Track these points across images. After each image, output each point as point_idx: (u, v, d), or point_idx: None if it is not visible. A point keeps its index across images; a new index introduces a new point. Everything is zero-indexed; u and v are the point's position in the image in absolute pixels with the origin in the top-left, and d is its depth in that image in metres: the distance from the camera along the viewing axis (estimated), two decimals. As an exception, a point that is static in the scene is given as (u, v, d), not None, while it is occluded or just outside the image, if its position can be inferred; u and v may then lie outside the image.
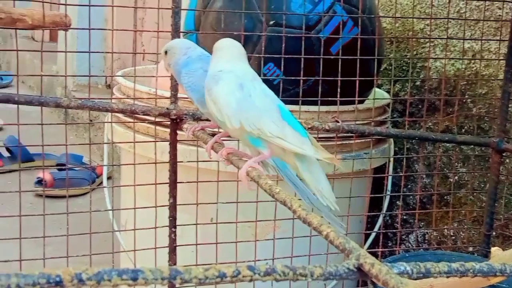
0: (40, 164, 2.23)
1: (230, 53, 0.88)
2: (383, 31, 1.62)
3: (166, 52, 0.99)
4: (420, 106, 1.66)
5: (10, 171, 2.40)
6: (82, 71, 3.09)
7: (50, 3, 1.20)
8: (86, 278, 0.43)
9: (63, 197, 1.37)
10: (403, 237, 1.73)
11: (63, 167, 2.29)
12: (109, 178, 2.12)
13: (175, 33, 1.18)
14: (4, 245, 1.22)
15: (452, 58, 1.58)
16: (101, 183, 2.36)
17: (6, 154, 2.57)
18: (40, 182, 2.27)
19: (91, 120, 2.55)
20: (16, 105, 1.15)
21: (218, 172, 1.23)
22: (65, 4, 1.19)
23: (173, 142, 1.20)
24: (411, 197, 1.70)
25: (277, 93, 0.89)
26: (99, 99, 1.21)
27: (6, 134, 2.54)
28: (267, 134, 0.83)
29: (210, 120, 1.03)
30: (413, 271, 0.51)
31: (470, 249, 1.56)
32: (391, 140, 1.50)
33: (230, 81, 0.85)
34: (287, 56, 1.25)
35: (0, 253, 1.19)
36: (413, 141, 1.68)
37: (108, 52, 1.67)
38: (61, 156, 2.43)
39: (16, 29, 1.11)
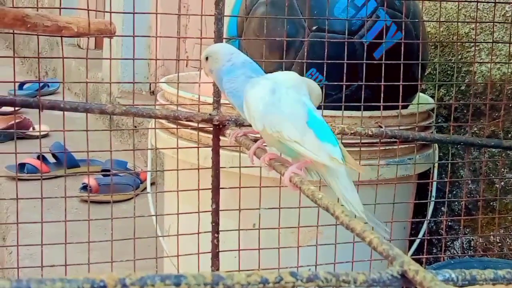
0: (85, 170, 2.26)
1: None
2: (427, 35, 1.61)
3: (207, 58, 0.98)
4: (465, 111, 1.64)
5: (56, 177, 2.43)
6: (126, 77, 3.12)
7: (96, 11, 1.21)
8: (130, 283, 0.43)
9: (108, 202, 1.38)
10: (448, 243, 1.70)
11: (108, 173, 2.32)
12: (152, 183, 2.14)
13: (218, 40, 1.18)
14: (50, 250, 1.24)
15: (498, 62, 1.56)
16: (145, 188, 2.37)
17: (52, 160, 2.61)
18: (85, 187, 2.29)
19: (135, 126, 2.58)
20: (62, 112, 1.17)
21: (260, 177, 1.23)
22: (110, 12, 1.20)
23: (216, 148, 1.20)
24: (456, 203, 1.68)
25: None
26: (143, 105, 1.23)
27: (52, 140, 2.58)
28: (285, 137, 0.83)
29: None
30: (458, 278, 0.50)
31: (517, 256, 1.53)
32: (436, 145, 1.49)
33: (265, 86, 0.87)
34: (329, 61, 1.24)
35: (46, 257, 1.21)
36: (458, 146, 1.65)
37: (152, 59, 1.69)
38: (106, 162, 2.46)
39: (62, 36, 1.13)
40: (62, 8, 1.15)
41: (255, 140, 1.02)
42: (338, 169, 0.85)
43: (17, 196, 1.19)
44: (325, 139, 0.84)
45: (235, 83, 0.95)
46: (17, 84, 1.29)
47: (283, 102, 0.85)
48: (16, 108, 1.31)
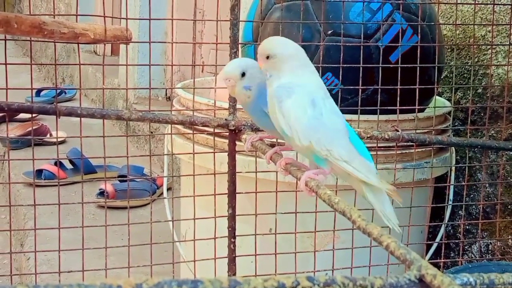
0: (102, 175, 2.27)
1: (297, 62, 0.85)
2: (444, 38, 1.60)
3: (243, 74, 0.91)
4: (482, 114, 1.63)
5: (73, 183, 2.45)
6: (143, 83, 3.13)
7: (112, 17, 1.22)
8: (147, 288, 0.43)
9: (125, 208, 1.39)
10: (466, 247, 1.69)
11: (125, 179, 2.33)
12: (169, 189, 2.14)
13: (234, 45, 1.18)
14: (67, 256, 1.24)
15: (515, 65, 1.55)
16: (162, 194, 2.38)
17: (69, 166, 2.62)
18: (102, 193, 2.30)
19: (151, 132, 2.59)
20: (79, 118, 1.17)
21: (276, 182, 1.23)
22: (126, 18, 1.21)
23: (232, 153, 1.20)
24: (473, 206, 1.67)
25: (335, 103, 0.88)
26: (159, 111, 1.23)
27: (69, 146, 2.59)
28: (336, 157, 0.81)
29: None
30: (477, 282, 0.50)
31: (536, 260, 1.52)
32: (453, 149, 1.48)
33: (303, 96, 0.82)
34: (345, 65, 1.24)
35: (63, 263, 1.21)
36: (476, 149, 1.64)
37: (168, 65, 1.69)
38: (123, 168, 2.47)
39: (78, 43, 1.14)
40: (78, 15, 1.16)
41: (271, 145, 1.02)
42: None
43: (34, 202, 1.20)
44: (366, 156, 0.83)
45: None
46: (34, 91, 1.30)
47: (325, 116, 0.82)
48: (34, 115, 1.31)
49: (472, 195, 1.67)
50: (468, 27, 1.66)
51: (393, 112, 1.28)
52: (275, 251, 1.24)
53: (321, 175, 0.85)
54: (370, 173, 0.83)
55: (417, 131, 1.31)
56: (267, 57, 0.85)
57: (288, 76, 0.84)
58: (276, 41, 0.88)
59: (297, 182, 0.87)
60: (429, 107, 1.44)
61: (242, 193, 1.23)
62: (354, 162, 0.82)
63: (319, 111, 0.82)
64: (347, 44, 1.26)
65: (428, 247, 1.50)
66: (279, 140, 1.13)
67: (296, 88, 0.83)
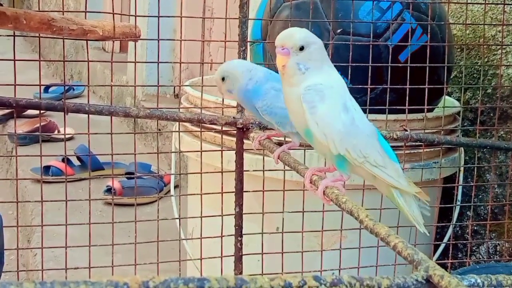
0: (110, 172, 2.27)
1: (325, 53, 0.81)
2: (453, 38, 1.59)
3: (223, 79, 0.95)
4: (491, 114, 1.62)
5: (80, 180, 2.45)
6: (151, 81, 3.14)
7: (121, 14, 1.22)
8: (153, 286, 0.43)
9: (132, 205, 1.39)
10: (474, 248, 1.69)
11: (132, 176, 2.33)
12: (176, 186, 2.15)
13: (242, 43, 1.18)
14: (74, 252, 1.24)
15: (525, 65, 1.54)
16: (169, 191, 2.38)
17: (77, 162, 2.62)
18: (109, 190, 2.30)
19: (159, 129, 2.59)
20: (86, 115, 1.18)
21: (284, 181, 1.23)
22: (135, 16, 1.21)
23: (239, 151, 1.20)
24: (482, 207, 1.66)
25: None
26: (167, 108, 1.23)
27: (77, 143, 2.60)
28: (372, 163, 0.80)
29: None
30: (484, 283, 0.50)
31: (545, 262, 1.51)
32: (462, 149, 1.47)
33: (336, 100, 0.79)
34: (354, 64, 1.24)
35: (70, 260, 1.21)
36: (485, 150, 1.64)
37: (177, 62, 1.69)
38: (130, 165, 2.47)
39: (87, 40, 1.14)
40: (87, 11, 1.16)
41: (279, 144, 1.01)
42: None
43: (41, 198, 1.20)
44: (393, 157, 0.82)
45: (267, 99, 0.92)
46: (42, 87, 1.30)
47: (357, 120, 0.79)
48: (42, 111, 1.31)
49: (480, 196, 1.66)
50: (478, 27, 1.65)
51: (402, 111, 1.28)
52: (282, 250, 1.24)
53: (339, 183, 0.82)
54: (400, 178, 0.81)
55: (426, 131, 1.31)
56: (301, 49, 0.79)
57: (318, 72, 0.80)
58: (303, 30, 0.81)
59: (304, 181, 0.86)
60: (438, 107, 1.44)
61: (249, 191, 1.23)
62: (387, 168, 0.80)
63: (351, 116, 0.79)
64: (356, 43, 1.25)
65: (436, 247, 1.50)
66: (287, 139, 1.13)
67: (326, 91, 0.78)
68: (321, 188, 0.81)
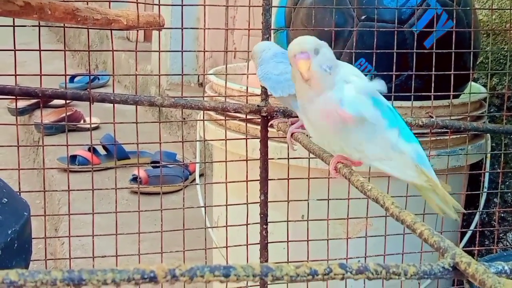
0: (135, 161, 2.28)
1: (332, 55, 0.81)
2: (479, 23, 1.58)
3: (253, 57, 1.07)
4: (518, 101, 1.61)
5: (106, 169, 2.46)
6: (175, 70, 3.14)
7: (144, 3, 1.22)
8: (180, 274, 0.43)
9: (157, 194, 1.39)
10: (501, 235, 1.67)
11: (157, 165, 2.34)
12: (201, 175, 2.15)
13: (266, 31, 1.18)
14: (101, 241, 1.25)
15: (553, 50, 1.52)
16: (194, 180, 2.39)
17: (102, 152, 2.64)
18: (135, 179, 2.32)
19: (184, 118, 2.59)
20: (112, 104, 1.18)
21: (309, 169, 1.22)
22: (159, 5, 1.21)
23: (264, 139, 1.20)
24: (509, 194, 1.65)
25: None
26: (191, 97, 1.23)
27: (103, 132, 2.61)
28: (370, 157, 0.80)
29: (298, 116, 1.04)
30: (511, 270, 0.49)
31: None
32: (488, 135, 1.46)
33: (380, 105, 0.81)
34: (379, 51, 1.23)
35: (97, 248, 1.22)
36: (511, 136, 1.62)
37: (200, 51, 1.69)
38: (155, 154, 2.48)
39: (111, 29, 1.14)
40: (111, 1, 1.16)
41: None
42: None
43: (68, 187, 1.21)
44: (413, 141, 0.82)
45: (265, 68, 1.03)
46: (68, 77, 1.31)
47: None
48: (67, 101, 1.32)
49: (507, 183, 1.65)
50: (505, 11, 1.63)
51: (428, 98, 1.27)
52: (307, 238, 1.24)
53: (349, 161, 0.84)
54: (408, 168, 0.80)
55: (452, 117, 1.30)
56: (315, 52, 0.78)
57: (339, 69, 0.80)
58: (309, 36, 0.82)
59: (329, 169, 0.86)
60: (464, 93, 1.42)
61: (274, 179, 1.23)
62: (392, 160, 0.80)
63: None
64: (380, 29, 1.24)
65: (462, 235, 1.49)
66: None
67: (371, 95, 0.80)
68: (334, 161, 0.84)
